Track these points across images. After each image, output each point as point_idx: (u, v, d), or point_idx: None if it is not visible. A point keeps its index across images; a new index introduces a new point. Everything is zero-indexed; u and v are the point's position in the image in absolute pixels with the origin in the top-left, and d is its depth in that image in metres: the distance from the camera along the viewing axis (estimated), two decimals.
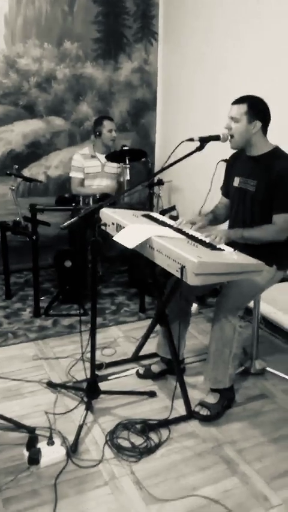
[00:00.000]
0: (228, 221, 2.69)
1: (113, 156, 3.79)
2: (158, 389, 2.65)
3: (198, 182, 3.87)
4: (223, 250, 2.22)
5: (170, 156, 2.34)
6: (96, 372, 2.48)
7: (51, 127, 4.31)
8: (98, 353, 2.43)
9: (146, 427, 2.30)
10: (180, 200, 4.43)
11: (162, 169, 2.35)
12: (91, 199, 3.61)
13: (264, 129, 2.43)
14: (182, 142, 2.33)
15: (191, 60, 4.17)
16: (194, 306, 3.58)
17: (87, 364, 2.41)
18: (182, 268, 1.96)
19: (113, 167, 4.03)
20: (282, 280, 2.60)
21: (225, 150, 2.59)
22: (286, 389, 2.70)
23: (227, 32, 3.66)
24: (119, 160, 3.79)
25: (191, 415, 2.41)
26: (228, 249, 2.23)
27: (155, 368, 2.78)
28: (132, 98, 4.60)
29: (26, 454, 2.05)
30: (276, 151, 2.44)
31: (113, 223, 2.49)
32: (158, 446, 2.21)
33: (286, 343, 3.23)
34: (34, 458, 2.02)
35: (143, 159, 3.91)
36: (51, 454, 2.08)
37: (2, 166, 4.12)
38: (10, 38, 3.97)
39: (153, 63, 4.62)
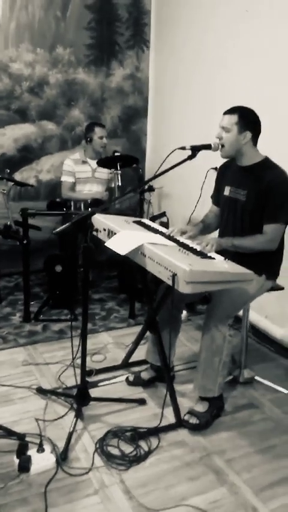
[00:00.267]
0: (218, 230, 2.72)
1: (105, 161, 3.80)
2: (148, 397, 2.65)
3: (189, 189, 3.89)
4: (214, 258, 2.24)
5: (162, 164, 2.35)
6: (86, 379, 2.47)
7: (43, 131, 4.31)
8: (87, 359, 2.43)
9: (136, 435, 2.30)
10: (170, 206, 4.45)
11: (155, 177, 2.37)
12: (82, 204, 3.61)
13: (255, 140, 2.46)
14: (174, 150, 2.35)
15: (182, 68, 4.21)
16: (183, 313, 3.59)
17: (78, 370, 2.40)
18: (174, 276, 1.97)
19: (103, 173, 4.04)
20: (271, 289, 2.63)
21: (215, 159, 2.62)
22: (274, 398, 2.71)
23: (218, 40, 3.70)
24: (111, 166, 3.80)
25: (180, 423, 2.41)
26: (219, 258, 2.25)
27: (145, 375, 2.78)
28: (124, 104, 4.62)
29: (16, 461, 2.04)
30: (266, 161, 2.47)
31: (104, 229, 2.49)
32: (147, 454, 2.21)
33: (274, 351, 3.25)
34: (24, 466, 2.01)
35: (134, 165, 3.92)
36: (41, 461, 2.07)
37: None
38: (3, 42, 3.97)
39: (145, 70, 4.64)
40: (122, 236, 2.31)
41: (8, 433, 2.25)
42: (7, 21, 3.92)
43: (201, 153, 2.41)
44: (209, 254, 2.27)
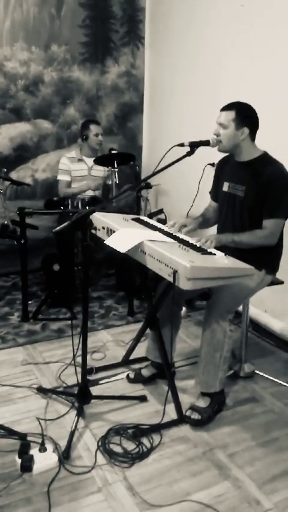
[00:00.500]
0: (217, 225, 2.71)
1: (102, 159, 3.79)
2: (149, 394, 2.65)
3: (186, 185, 3.90)
4: (214, 254, 2.23)
5: (160, 161, 2.35)
6: (87, 377, 2.47)
7: (39, 130, 4.28)
8: (87, 357, 2.42)
9: (138, 432, 2.30)
10: (167, 203, 4.45)
11: (153, 174, 2.35)
12: (80, 202, 3.60)
13: (253, 135, 2.46)
14: (172, 147, 2.35)
15: (177, 64, 4.20)
16: (183, 310, 3.59)
17: (78, 369, 2.39)
18: (175, 272, 1.97)
19: (99, 170, 4.03)
20: (271, 283, 2.63)
21: (212, 155, 2.62)
22: (275, 392, 2.72)
23: (213, 36, 3.69)
24: (108, 163, 3.79)
25: (182, 419, 2.41)
26: (219, 254, 2.25)
27: (145, 372, 2.78)
28: (119, 101, 4.61)
29: (19, 461, 2.04)
30: (265, 156, 2.47)
31: (103, 227, 2.49)
32: (150, 451, 2.21)
33: (273, 345, 3.26)
34: (27, 465, 2.01)
35: (131, 163, 3.92)
36: (44, 460, 2.07)
37: None
38: None
39: (140, 67, 4.63)
40: (122, 234, 2.30)
41: (9, 432, 2.24)
42: (1, 19, 3.89)
43: (198, 149, 2.40)
44: (209, 250, 2.26)
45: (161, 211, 4.17)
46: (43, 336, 3.29)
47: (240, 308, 2.80)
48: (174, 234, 2.42)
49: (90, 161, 3.95)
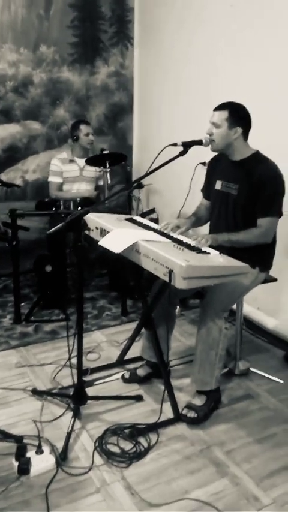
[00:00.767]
0: (209, 222, 2.72)
1: (94, 160, 3.78)
2: (144, 393, 2.65)
3: (177, 185, 3.90)
4: (209, 253, 2.24)
5: (154, 162, 2.35)
6: (82, 378, 2.46)
7: (28, 131, 4.26)
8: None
9: (135, 431, 2.30)
10: (159, 203, 4.45)
11: (147, 174, 2.35)
12: (72, 203, 3.59)
13: (245, 135, 2.47)
14: (165, 147, 2.35)
15: (166, 63, 4.21)
16: (177, 308, 3.60)
17: (73, 370, 2.39)
18: (170, 272, 1.97)
19: (91, 171, 4.02)
20: (265, 281, 2.65)
21: (203, 154, 2.62)
22: (270, 388, 2.74)
23: (202, 36, 3.70)
24: (100, 164, 3.78)
25: (178, 418, 2.42)
26: (214, 252, 2.26)
27: (141, 372, 2.78)
28: (109, 101, 4.60)
29: (16, 464, 2.02)
30: (257, 155, 2.49)
31: (96, 228, 2.48)
32: (147, 450, 2.21)
33: (267, 342, 3.28)
34: (24, 468, 2.00)
35: (122, 163, 3.92)
36: (41, 463, 2.06)
37: None
38: None
39: (130, 67, 4.63)
40: (116, 234, 2.30)
41: (5, 435, 2.22)
42: None
43: (190, 149, 2.40)
44: (203, 249, 2.27)
45: (153, 210, 4.17)
46: (36, 338, 3.27)
47: (234, 306, 2.82)
48: (168, 233, 2.42)
49: (81, 162, 3.94)
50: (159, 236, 2.34)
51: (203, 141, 2.44)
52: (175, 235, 2.40)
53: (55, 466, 2.07)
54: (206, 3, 3.63)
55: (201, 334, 2.41)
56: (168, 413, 2.44)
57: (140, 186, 4.01)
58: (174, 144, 2.39)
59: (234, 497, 1.97)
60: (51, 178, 3.98)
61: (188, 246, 2.24)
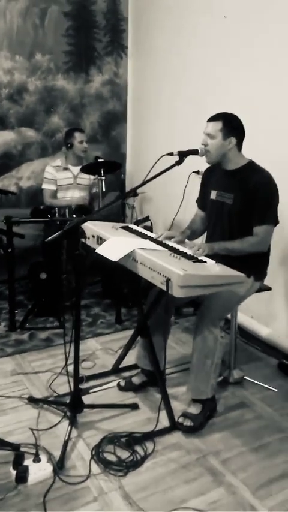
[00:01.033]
0: (206, 232, 2.75)
1: (89, 168, 3.80)
2: (140, 402, 2.66)
3: (171, 193, 3.93)
4: (205, 262, 2.26)
5: (150, 171, 2.37)
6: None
7: (23, 138, 4.28)
8: None
9: (131, 440, 2.30)
10: (153, 211, 4.47)
11: (144, 183, 2.38)
12: (67, 211, 3.59)
13: (239, 145, 2.50)
14: (162, 156, 2.38)
15: (159, 73, 4.25)
16: (172, 317, 3.61)
17: (67, 378, 2.38)
18: (168, 280, 1.99)
19: (85, 179, 4.03)
20: (259, 290, 2.67)
21: (197, 162, 2.65)
22: (264, 397, 2.76)
23: (195, 47, 3.75)
24: (94, 172, 3.80)
25: (174, 426, 2.43)
26: (210, 261, 2.28)
27: (136, 380, 2.79)
28: (103, 110, 4.63)
29: (13, 472, 2.02)
30: (251, 164, 2.52)
31: (93, 236, 2.50)
32: (144, 459, 2.21)
33: (261, 351, 3.30)
34: (22, 476, 1.99)
35: (117, 171, 3.94)
36: (38, 471, 2.05)
37: None
38: None
39: (123, 76, 4.67)
40: (113, 242, 2.32)
41: (2, 444, 2.22)
42: None
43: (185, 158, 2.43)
44: (199, 258, 2.29)
45: (147, 218, 4.20)
46: (31, 346, 3.27)
47: (229, 315, 2.84)
48: (164, 242, 2.44)
49: (75, 170, 3.96)
50: (156, 245, 2.36)
51: (199, 151, 2.47)
52: (171, 244, 2.42)
53: (52, 475, 2.07)
54: (200, 14, 3.67)
55: (197, 343, 2.42)
56: (164, 421, 2.45)
57: (135, 194, 4.03)
58: (171, 154, 2.42)
59: (231, 506, 1.98)
60: (45, 186, 3.99)
61: (184, 255, 2.26)
